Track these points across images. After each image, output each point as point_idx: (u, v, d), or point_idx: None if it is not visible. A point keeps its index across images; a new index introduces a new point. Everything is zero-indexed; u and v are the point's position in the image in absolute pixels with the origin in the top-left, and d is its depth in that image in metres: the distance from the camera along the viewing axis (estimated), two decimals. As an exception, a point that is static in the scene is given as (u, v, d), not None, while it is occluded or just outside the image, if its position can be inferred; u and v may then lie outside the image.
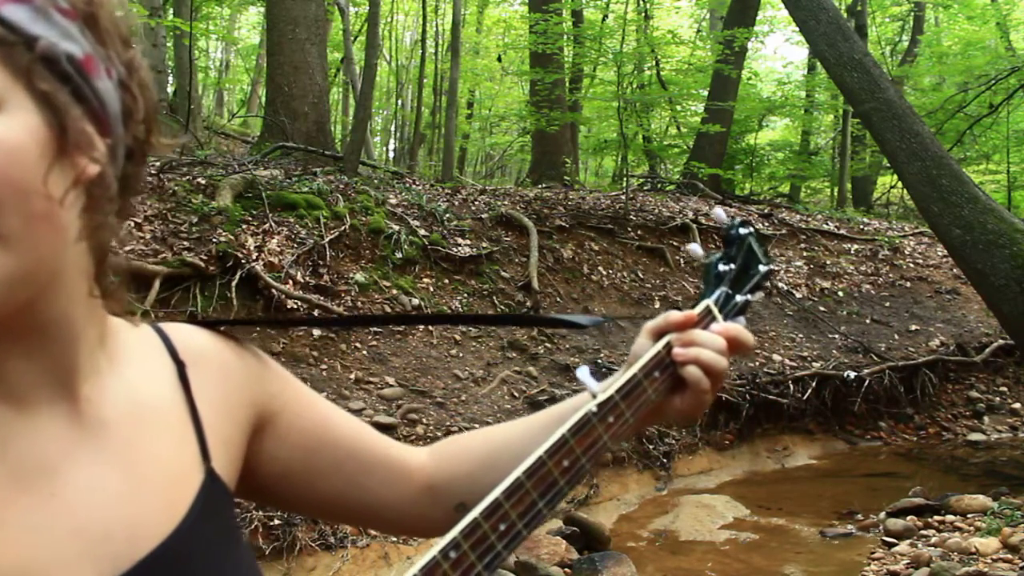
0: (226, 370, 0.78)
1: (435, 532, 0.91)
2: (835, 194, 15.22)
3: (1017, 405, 7.75)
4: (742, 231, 0.96)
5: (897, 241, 10.27)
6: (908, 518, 4.99)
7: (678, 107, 13.27)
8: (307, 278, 5.83)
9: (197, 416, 0.73)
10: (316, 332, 5.50)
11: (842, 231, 10.39)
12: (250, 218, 6.04)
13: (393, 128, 20.11)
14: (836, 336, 7.81)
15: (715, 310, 0.88)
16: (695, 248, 0.93)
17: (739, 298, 0.92)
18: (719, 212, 0.98)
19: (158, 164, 6.45)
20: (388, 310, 6.08)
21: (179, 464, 0.69)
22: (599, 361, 6.23)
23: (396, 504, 0.88)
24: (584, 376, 0.77)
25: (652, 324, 0.85)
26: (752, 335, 0.87)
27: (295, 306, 5.55)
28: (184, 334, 0.78)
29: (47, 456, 0.62)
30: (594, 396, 0.76)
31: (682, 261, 8.41)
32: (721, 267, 0.92)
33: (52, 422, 0.63)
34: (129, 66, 0.66)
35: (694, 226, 8.79)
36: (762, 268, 0.95)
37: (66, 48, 0.60)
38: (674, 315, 0.84)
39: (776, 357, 7.15)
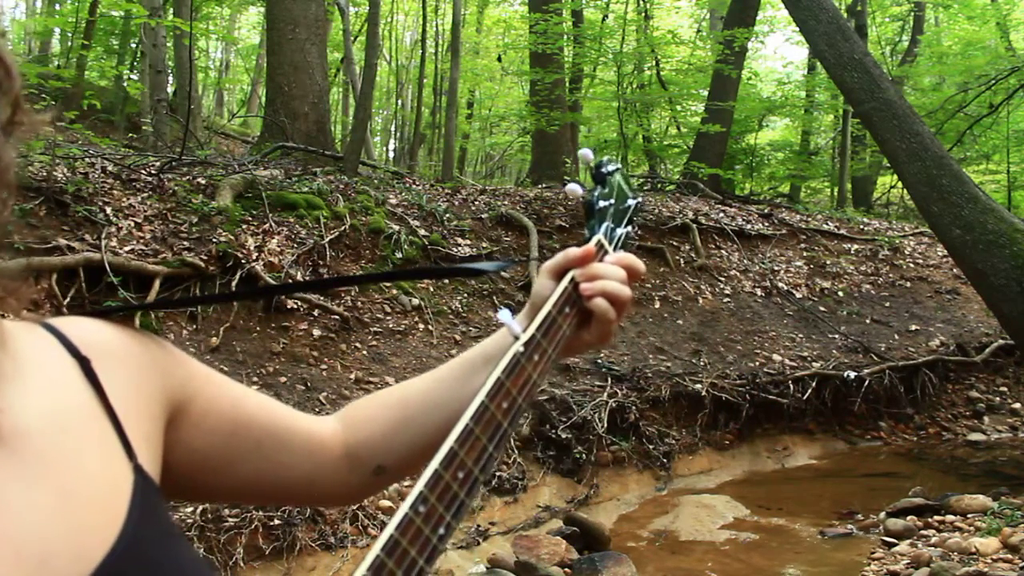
0: (131, 361, 0.73)
1: (355, 498, 0.92)
2: (835, 194, 15.23)
3: (1017, 405, 7.75)
4: (610, 168, 1.00)
5: (897, 241, 10.27)
6: (908, 518, 4.99)
7: (678, 107, 13.27)
8: (307, 278, 5.83)
9: (113, 413, 0.68)
10: (316, 332, 5.50)
11: (842, 231, 10.39)
12: (250, 218, 6.04)
13: (393, 128, 20.11)
14: (836, 336, 7.81)
15: (606, 243, 0.92)
16: (574, 187, 0.95)
17: (620, 231, 0.96)
18: (585, 152, 0.98)
19: (158, 164, 6.45)
20: (388, 310, 6.08)
21: (107, 466, 0.65)
22: (599, 360, 6.23)
23: (316, 476, 0.87)
24: (506, 318, 0.79)
25: (551, 263, 0.87)
26: (642, 262, 0.90)
27: (295, 306, 5.55)
28: (81, 328, 0.72)
29: None
30: (517, 337, 0.78)
31: (682, 261, 8.41)
32: (601, 203, 0.96)
33: None
34: None
35: (694, 226, 8.78)
36: (631, 202, 1.01)
37: None
38: (573, 251, 0.85)
39: (776, 357, 7.15)
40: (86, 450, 0.64)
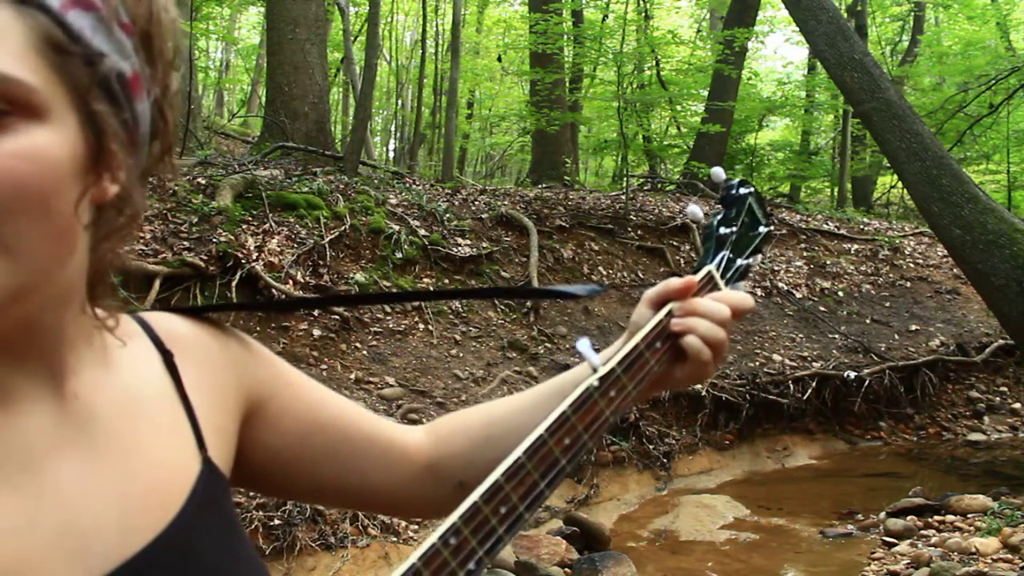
0: (212, 357, 0.75)
1: (437, 512, 0.89)
2: (835, 194, 15.22)
3: (1017, 405, 7.75)
4: (742, 191, 0.91)
5: (897, 241, 10.27)
6: (908, 518, 4.99)
7: (678, 107, 13.26)
8: (307, 278, 5.83)
9: (189, 405, 0.70)
10: (316, 332, 5.50)
11: (842, 231, 10.39)
12: (250, 218, 6.04)
13: (393, 128, 20.11)
14: (836, 336, 7.81)
15: (717, 276, 0.85)
16: (695, 210, 0.89)
17: (740, 262, 0.89)
18: (717, 170, 0.92)
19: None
20: (388, 310, 6.08)
21: (174, 455, 0.67)
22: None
23: (395, 486, 0.86)
24: (585, 349, 0.74)
25: (652, 292, 0.82)
26: (752, 299, 0.84)
27: (295, 306, 5.55)
28: (167, 322, 0.75)
29: (32, 454, 0.59)
30: (595, 370, 0.73)
31: (682, 261, 8.42)
32: (722, 230, 0.88)
33: (37, 419, 0.61)
34: (166, 89, 0.64)
35: (694, 226, 8.78)
36: (762, 229, 0.91)
37: (120, 66, 0.58)
38: (674, 282, 0.81)
39: (776, 357, 7.15)
40: (155, 438, 0.66)
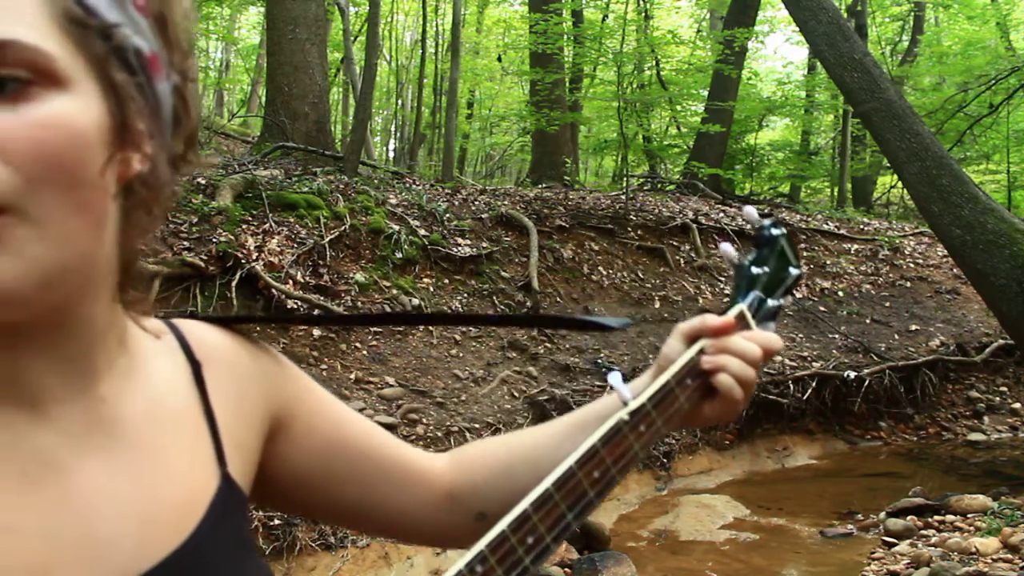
0: (241, 371, 0.75)
1: (456, 542, 0.88)
2: (835, 194, 15.23)
3: (1017, 405, 7.75)
4: (775, 232, 0.93)
5: (897, 241, 10.27)
6: (908, 518, 4.98)
7: (678, 107, 13.27)
8: (307, 278, 5.83)
9: (213, 418, 0.70)
10: (316, 332, 5.50)
11: (842, 231, 10.39)
12: (250, 218, 6.04)
13: (393, 128, 20.11)
14: (836, 336, 7.81)
15: (749, 316, 0.86)
16: (729, 249, 0.90)
17: (771, 303, 0.89)
18: (750, 210, 0.93)
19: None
20: (388, 310, 6.08)
21: (194, 468, 0.66)
22: (599, 361, 6.23)
23: (415, 512, 0.85)
24: (616, 383, 0.75)
25: (686, 327, 0.82)
26: (781, 341, 0.85)
27: (295, 306, 5.55)
28: (200, 332, 0.74)
29: (59, 457, 0.59)
30: (625, 404, 0.73)
31: (682, 261, 8.41)
32: (754, 270, 0.89)
33: (66, 423, 0.60)
34: (184, 75, 0.64)
35: (694, 226, 8.78)
36: (793, 271, 0.92)
37: (136, 42, 0.59)
38: (711, 320, 0.81)
39: (776, 357, 7.15)
40: (176, 450, 0.66)
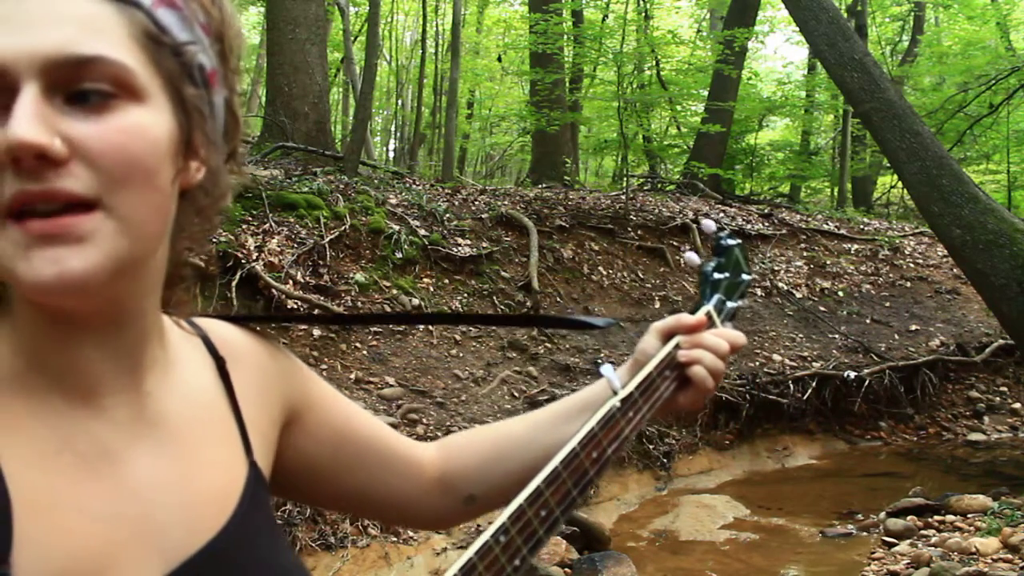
0: (261, 367, 0.81)
1: (444, 524, 0.98)
2: (835, 194, 15.22)
3: (1017, 405, 7.75)
4: (730, 242, 1.07)
5: (897, 241, 10.26)
6: (908, 518, 4.98)
7: (678, 107, 13.27)
8: (307, 278, 5.83)
9: (238, 411, 0.75)
10: (316, 332, 5.50)
11: (842, 231, 10.39)
12: (250, 218, 6.04)
13: (393, 128, 20.11)
14: (836, 336, 7.81)
15: (715, 315, 0.97)
16: (692, 256, 1.02)
17: (731, 304, 1.02)
18: (708, 223, 1.04)
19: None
20: (388, 310, 6.08)
21: (227, 457, 0.72)
22: (599, 361, 6.23)
23: (411, 497, 0.92)
24: (609, 373, 0.84)
25: (662, 325, 0.93)
26: (745, 337, 0.96)
27: (295, 306, 5.55)
28: (222, 330, 0.80)
29: (112, 446, 0.64)
30: (615, 393, 0.82)
31: (682, 261, 8.41)
32: (716, 275, 1.02)
33: (117, 413, 0.65)
34: (233, 89, 0.69)
35: (694, 226, 8.78)
36: (745, 277, 1.06)
37: (201, 59, 0.64)
38: (686, 319, 0.92)
39: (776, 357, 7.15)
40: (211, 440, 0.72)
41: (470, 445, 0.96)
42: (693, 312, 0.95)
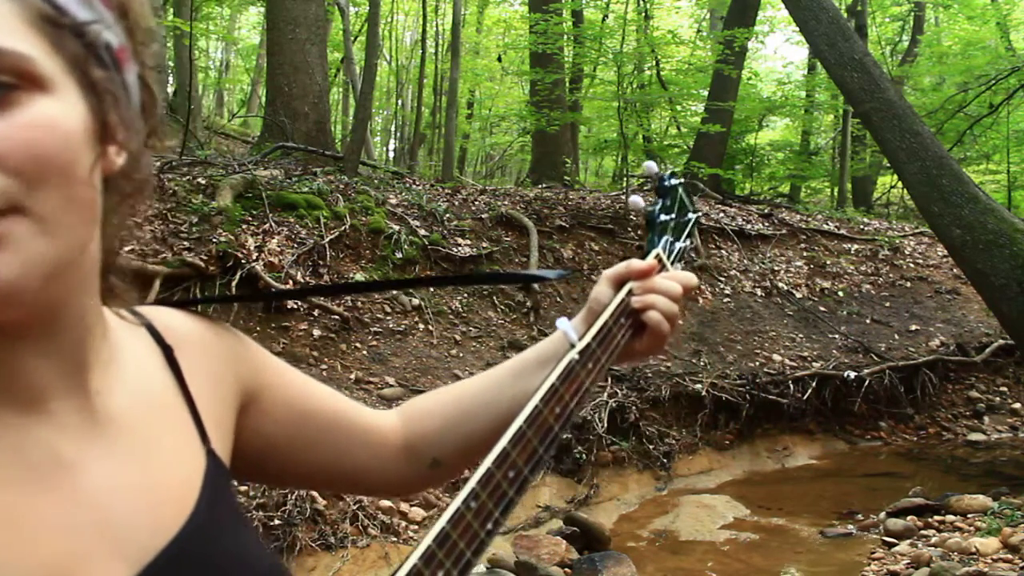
0: (210, 351, 0.78)
1: (413, 490, 0.97)
2: (835, 194, 15.22)
3: (1017, 405, 7.75)
4: (673, 181, 1.04)
5: (897, 241, 10.26)
6: (908, 518, 4.98)
7: (678, 107, 13.27)
8: (307, 278, 5.83)
9: (191, 400, 0.73)
10: (316, 332, 5.50)
11: (842, 231, 10.39)
12: (250, 218, 6.04)
13: (393, 128, 20.11)
14: (836, 336, 7.81)
15: (665, 258, 0.96)
16: (637, 200, 1.01)
17: (679, 245, 1.00)
18: (650, 164, 1.02)
19: (159, 164, 6.45)
20: (388, 310, 6.08)
21: (183, 449, 0.69)
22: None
23: (376, 467, 0.91)
24: (564, 325, 0.83)
25: (612, 272, 0.90)
26: (696, 278, 0.94)
27: (295, 306, 5.55)
28: (166, 317, 0.77)
29: (64, 453, 0.61)
30: (573, 345, 0.80)
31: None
32: (662, 217, 0.99)
33: (66, 418, 0.62)
34: (145, 63, 0.65)
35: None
36: (691, 216, 1.04)
37: (106, 37, 0.60)
38: (636, 264, 0.89)
39: (776, 357, 7.15)
40: (165, 433, 0.69)
41: (431, 409, 0.94)
42: (643, 257, 0.92)
